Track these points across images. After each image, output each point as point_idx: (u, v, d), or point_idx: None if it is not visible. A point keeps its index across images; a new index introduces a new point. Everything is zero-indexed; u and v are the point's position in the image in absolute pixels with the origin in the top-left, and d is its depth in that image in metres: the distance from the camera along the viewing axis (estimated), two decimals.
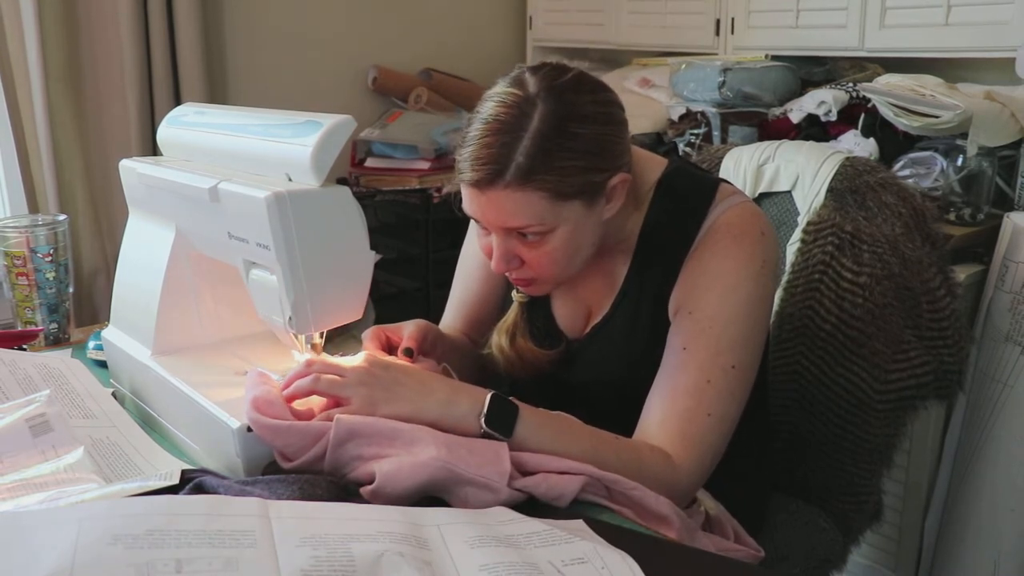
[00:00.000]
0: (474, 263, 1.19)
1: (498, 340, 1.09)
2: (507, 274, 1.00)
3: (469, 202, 0.94)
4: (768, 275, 0.99)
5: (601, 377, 1.07)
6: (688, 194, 1.02)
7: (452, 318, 1.21)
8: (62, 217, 1.29)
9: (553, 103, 0.90)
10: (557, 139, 0.89)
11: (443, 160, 2.53)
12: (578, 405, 0.95)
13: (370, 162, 2.58)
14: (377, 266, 0.90)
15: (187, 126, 1.02)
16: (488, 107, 0.92)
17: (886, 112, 1.77)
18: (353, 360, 0.87)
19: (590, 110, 0.92)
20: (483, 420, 0.83)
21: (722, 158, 1.43)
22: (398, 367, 0.88)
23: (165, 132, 1.05)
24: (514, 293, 1.09)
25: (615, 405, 0.98)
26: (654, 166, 1.05)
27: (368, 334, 1.01)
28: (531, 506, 0.79)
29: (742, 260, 0.97)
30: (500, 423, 0.84)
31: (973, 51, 1.88)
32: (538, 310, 1.11)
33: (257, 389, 0.82)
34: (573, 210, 0.92)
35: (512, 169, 0.89)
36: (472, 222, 1.20)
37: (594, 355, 1.07)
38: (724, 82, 2.06)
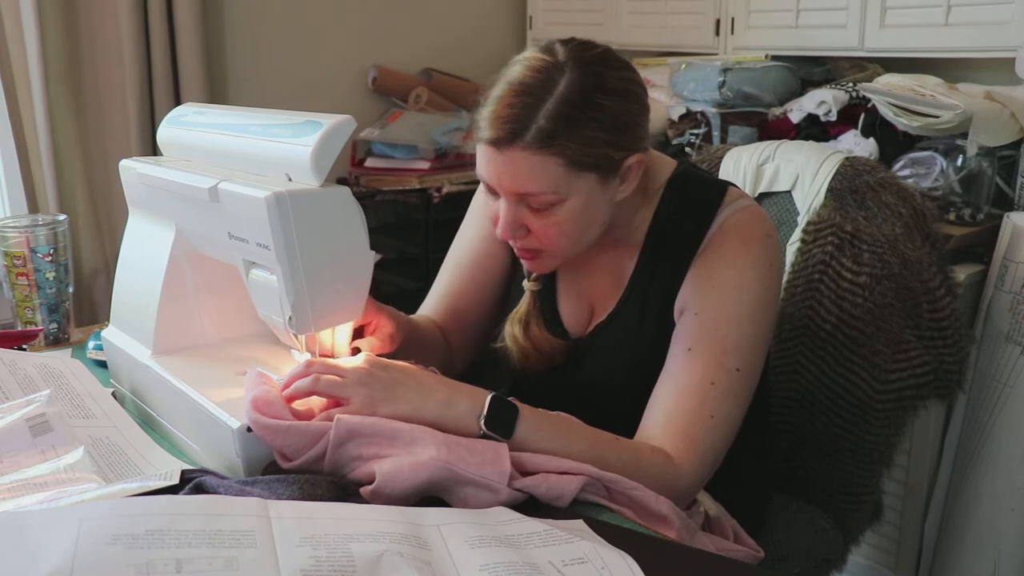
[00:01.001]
0: (466, 255, 1.18)
1: (511, 330, 1.08)
2: (512, 243, 1.00)
3: (485, 163, 0.94)
4: (774, 278, 0.99)
5: (606, 375, 1.06)
6: (697, 194, 1.02)
7: (431, 307, 1.19)
8: (62, 217, 1.29)
9: (581, 72, 0.90)
10: (582, 107, 0.89)
11: (443, 160, 2.53)
12: (583, 404, 0.95)
13: (370, 162, 2.58)
14: (377, 266, 0.90)
15: (187, 126, 1.02)
16: (515, 70, 0.92)
17: (886, 112, 1.77)
18: (353, 360, 0.87)
19: (617, 85, 0.92)
20: (483, 422, 0.83)
21: (722, 158, 1.43)
22: (397, 367, 0.87)
23: (165, 132, 1.05)
24: (525, 283, 1.09)
25: (620, 404, 0.98)
26: (664, 165, 1.05)
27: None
28: (531, 506, 0.79)
29: (749, 263, 0.97)
30: (500, 424, 0.84)
31: (973, 51, 1.88)
32: (544, 305, 1.11)
33: (257, 389, 0.82)
34: (587, 182, 0.92)
35: (533, 131, 0.89)
36: (471, 210, 1.20)
37: (598, 353, 1.07)
38: (724, 82, 2.06)
